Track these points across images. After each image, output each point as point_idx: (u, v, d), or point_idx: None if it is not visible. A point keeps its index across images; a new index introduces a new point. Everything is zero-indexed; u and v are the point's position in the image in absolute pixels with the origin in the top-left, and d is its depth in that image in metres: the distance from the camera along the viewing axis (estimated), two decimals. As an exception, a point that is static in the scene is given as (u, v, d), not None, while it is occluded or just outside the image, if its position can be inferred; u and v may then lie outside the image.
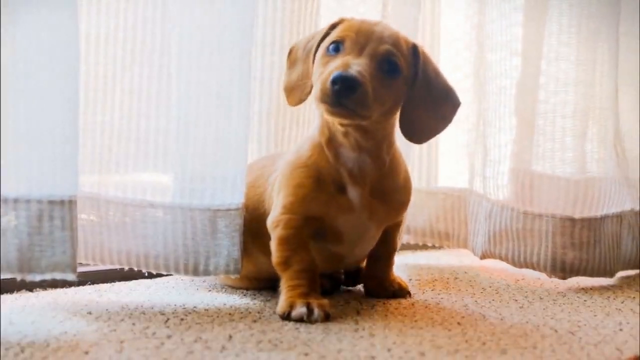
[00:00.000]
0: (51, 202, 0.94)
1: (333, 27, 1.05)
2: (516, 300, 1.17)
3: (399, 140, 1.12)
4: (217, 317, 1.01)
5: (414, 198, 1.36)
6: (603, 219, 1.34)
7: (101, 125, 1.10)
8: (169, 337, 0.90)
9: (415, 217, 1.52)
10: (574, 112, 1.37)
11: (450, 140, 1.55)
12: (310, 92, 1.05)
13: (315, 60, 1.04)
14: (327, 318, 1.00)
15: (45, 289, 1.14)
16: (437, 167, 1.56)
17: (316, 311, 0.99)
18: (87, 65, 1.08)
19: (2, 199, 0.92)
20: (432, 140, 1.53)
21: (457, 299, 1.16)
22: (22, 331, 0.90)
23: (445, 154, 1.56)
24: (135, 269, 1.10)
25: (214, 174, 1.09)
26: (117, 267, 1.13)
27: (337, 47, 1.01)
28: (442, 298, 1.17)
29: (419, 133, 1.08)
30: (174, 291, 1.17)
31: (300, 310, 0.99)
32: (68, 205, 0.95)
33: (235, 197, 1.09)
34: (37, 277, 0.93)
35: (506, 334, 0.95)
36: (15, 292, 1.12)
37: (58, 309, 1.03)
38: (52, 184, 0.94)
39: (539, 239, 1.33)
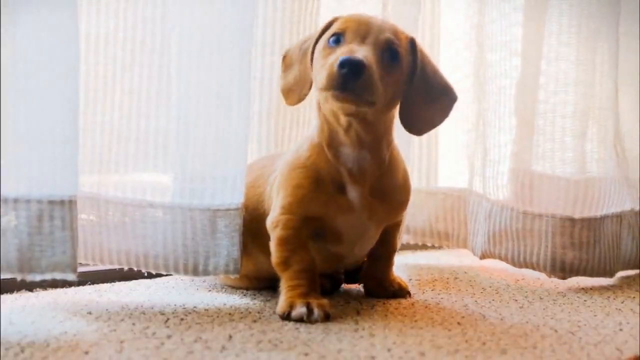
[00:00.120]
0: (51, 202, 0.94)
1: (328, 26, 1.06)
2: (516, 300, 1.17)
3: (399, 140, 1.12)
4: (217, 317, 1.01)
5: (413, 198, 1.36)
6: (603, 219, 1.34)
7: (101, 125, 1.10)
8: (169, 337, 0.90)
9: (415, 217, 1.52)
10: (573, 112, 1.37)
11: (450, 141, 1.55)
12: (309, 90, 1.05)
13: (315, 56, 1.04)
14: (327, 318, 1.00)
15: (45, 289, 1.14)
16: (436, 167, 1.56)
17: (316, 311, 0.99)
18: (87, 65, 1.08)
19: (2, 199, 0.92)
20: (432, 141, 1.54)
21: (457, 299, 1.16)
22: (22, 331, 0.90)
23: (445, 154, 1.56)
24: (135, 269, 1.10)
25: (213, 174, 1.09)
26: (117, 267, 1.13)
27: (337, 39, 1.01)
28: (442, 298, 1.17)
29: (418, 125, 1.09)
30: (174, 291, 1.17)
31: (300, 310, 0.99)
32: (68, 205, 0.95)
33: (235, 197, 1.09)
34: (37, 277, 0.93)
35: (506, 334, 0.95)
36: (15, 292, 1.12)
37: (58, 309, 1.03)
38: (52, 184, 0.94)
39: (538, 239, 1.33)
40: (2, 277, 0.98)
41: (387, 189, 1.08)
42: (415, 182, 1.51)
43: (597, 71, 1.38)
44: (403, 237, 1.50)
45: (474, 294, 1.21)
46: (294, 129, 1.32)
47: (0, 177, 0.91)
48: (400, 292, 1.16)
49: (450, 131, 1.55)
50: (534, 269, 1.34)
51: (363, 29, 1.01)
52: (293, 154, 1.09)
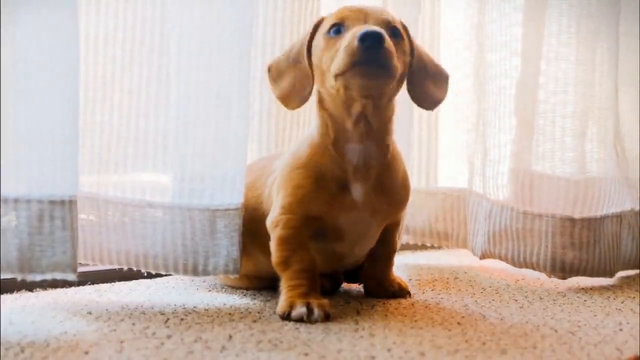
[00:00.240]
0: (52, 202, 0.94)
1: (317, 25, 1.06)
2: (516, 300, 1.17)
3: (399, 140, 1.12)
4: (217, 317, 1.01)
5: (413, 198, 1.36)
6: (603, 219, 1.34)
7: (100, 125, 1.10)
8: (169, 337, 0.90)
9: (414, 217, 1.52)
10: (573, 112, 1.37)
11: (450, 141, 1.55)
12: (312, 90, 1.05)
13: (315, 52, 1.04)
14: (327, 318, 1.00)
15: (45, 289, 1.14)
16: (436, 167, 1.56)
17: (316, 311, 0.99)
18: (87, 65, 1.08)
19: (2, 199, 0.92)
20: (432, 141, 1.54)
21: (457, 299, 1.16)
22: (22, 331, 0.90)
23: (444, 154, 1.56)
24: (135, 269, 1.10)
25: (213, 174, 1.09)
26: (117, 267, 1.13)
27: (338, 29, 1.01)
28: (442, 298, 1.17)
29: (429, 100, 1.11)
30: (174, 291, 1.17)
31: (300, 310, 0.99)
32: (68, 205, 0.95)
33: (234, 197, 1.09)
34: (38, 277, 0.93)
35: (506, 334, 0.95)
36: (15, 292, 1.12)
37: (58, 309, 1.03)
38: (53, 184, 0.94)
39: (538, 239, 1.33)
40: (2, 277, 0.98)
41: (389, 186, 1.08)
42: (415, 182, 1.51)
43: (597, 71, 1.38)
44: (403, 237, 1.50)
45: (474, 294, 1.21)
46: (294, 129, 1.32)
47: (0, 177, 0.91)
48: (400, 292, 1.16)
49: (450, 131, 1.55)
50: (534, 269, 1.34)
51: (362, 14, 1.02)
52: (292, 154, 1.09)
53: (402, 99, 1.10)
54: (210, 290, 1.18)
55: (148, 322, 0.97)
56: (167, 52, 1.09)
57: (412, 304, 1.12)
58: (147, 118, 1.10)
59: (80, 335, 0.89)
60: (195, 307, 1.07)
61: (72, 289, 1.16)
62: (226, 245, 1.09)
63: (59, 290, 1.14)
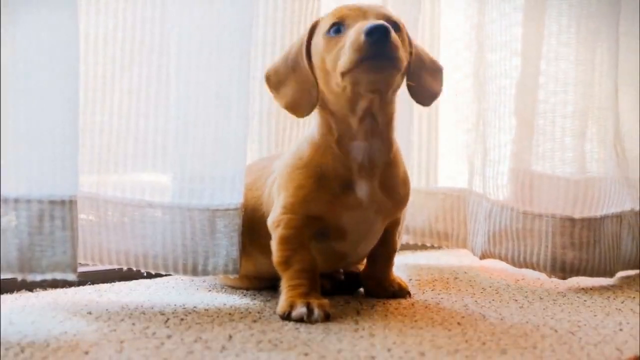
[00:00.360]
0: (52, 202, 0.94)
1: (314, 27, 1.06)
2: (516, 300, 1.17)
3: (399, 140, 1.12)
4: (217, 317, 1.01)
5: (413, 198, 1.36)
6: (603, 219, 1.34)
7: (100, 125, 1.10)
8: (169, 337, 0.90)
9: (414, 217, 1.52)
10: (573, 112, 1.37)
11: (450, 141, 1.55)
12: (318, 93, 1.04)
13: (317, 52, 1.03)
14: (327, 318, 1.00)
15: (45, 289, 1.14)
16: (436, 167, 1.56)
17: (316, 311, 0.99)
18: (86, 65, 1.08)
19: (2, 199, 0.92)
20: (432, 141, 1.54)
21: (457, 299, 1.16)
22: (22, 331, 0.91)
23: (444, 154, 1.56)
24: (134, 269, 1.10)
25: (213, 174, 1.09)
26: (116, 267, 1.13)
27: (338, 28, 1.01)
28: (442, 298, 1.17)
29: (427, 94, 1.11)
30: (174, 291, 1.17)
31: (300, 310, 0.99)
32: (69, 205, 0.95)
33: (234, 197, 1.09)
34: (38, 277, 0.93)
35: (506, 334, 0.95)
36: (15, 292, 1.12)
37: (58, 309, 1.03)
38: (53, 184, 0.94)
39: (538, 239, 1.33)
40: (2, 277, 0.98)
41: (391, 183, 1.08)
42: (415, 182, 1.51)
43: (597, 71, 1.38)
44: (403, 238, 1.50)
45: (474, 294, 1.21)
46: (294, 129, 1.32)
47: (0, 177, 0.91)
48: (400, 292, 1.16)
49: (450, 131, 1.55)
50: (534, 269, 1.34)
51: (361, 12, 1.02)
52: (293, 154, 1.09)
53: (402, 99, 1.10)
54: (210, 290, 1.19)
55: (148, 322, 0.97)
56: (167, 52, 1.09)
57: (412, 304, 1.12)
58: (147, 118, 1.10)
59: (80, 335, 0.89)
60: (195, 307, 1.07)
61: (72, 289, 1.16)
62: (226, 245, 1.09)
63: (59, 290, 1.14)
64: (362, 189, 1.05)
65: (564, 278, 1.32)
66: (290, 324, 0.98)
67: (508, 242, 1.35)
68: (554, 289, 1.29)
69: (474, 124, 1.46)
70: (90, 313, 1.01)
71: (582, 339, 0.94)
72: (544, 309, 1.12)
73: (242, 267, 1.11)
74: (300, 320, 0.98)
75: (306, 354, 0.84)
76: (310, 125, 1.12)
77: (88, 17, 1.08)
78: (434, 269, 1.45)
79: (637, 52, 1.50)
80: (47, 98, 0.94)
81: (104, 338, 0.88)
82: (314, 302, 1.00)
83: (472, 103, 1.47)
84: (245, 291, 1.19)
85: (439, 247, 1.59)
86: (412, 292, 1.19)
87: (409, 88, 1.08)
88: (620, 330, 0.99)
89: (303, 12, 1.30)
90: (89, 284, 1.20)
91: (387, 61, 0.97)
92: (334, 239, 1.08)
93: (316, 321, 0.98)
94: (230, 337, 0.91)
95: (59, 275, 0.94)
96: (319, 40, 1.03)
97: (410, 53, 1.07)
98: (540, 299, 1.19)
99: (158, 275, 1.22)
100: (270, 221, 1.07)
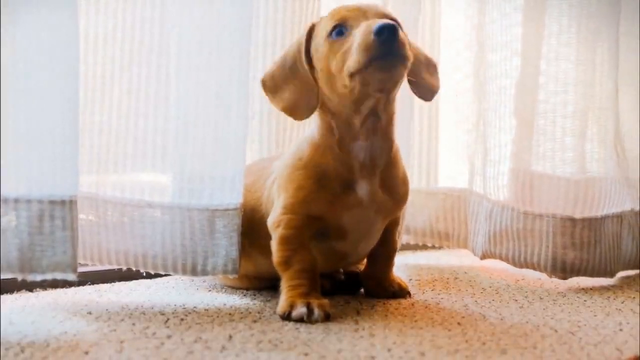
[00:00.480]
0: (52, 202, 0.94)
1: (311, 31, 1.05)
2: (516, 300, 1.17)
3: (399, 141, 1.12)
4: (217, 317, 1.01)
5: (414, 198, 1.36)
6: (603, 219, 1.34)
7: (99, 125, 1.10)
8: (169, 337, 0.90)
9: (415, 217, 1.52)
10: (574, 112, 1.37)
11: (450, 141, 1.55)
12: (318, 97, 1.04)
13: (319, 56, 1.03)
14: (327, 318, 1.00)
15: (45, 289, 1.14)
16: (436, 167, 1.56)
17: (316, 311, 0.99)
18: (86, 65, 1.08)
19: (2, 199, 0.92)
20: (432, 141, 1.54)
21: (457, 299, 1.16)
22: (22, 331, 0.91)
23: (445, 154, 1.56)
24: (134, 269, 1.10)
25: (212, 174, 1.09)
26: (116, 267, 1.13)
27: (340, 30, 1.01)
28: (442, 298, 1.17)
29: (428, 90, 1.11)
30: (174, 291, 1.17)
31: (300, 310, 0.99)
32: (69, 205, 0.95)
33: (233, 197, 1.09)
34: (38, 277, 0.94)
35: (506, 334, 0.95)
36: (15, 292, 1.12)
37: (58, 309, 1.03)
38: (53, 184, 0.94)
39: (539, 239, 1.33)
40: (2, 277, 0.98)
41: (391, 181, 1.08)
42: (416, 182, 1.51)
43: (597, 71, 1.38)
44: (403, 238, 1.50)
45: (474, 294, 1.21)
46: (295, 129, 1.32)
47: (0, 177, 0.91)
48: (400, 292, 1.16)
49: (450, 131, 1.55)
50: (534, 269, 1.34)
51: (361, 12, 1.01)
52: (293, 155, 1.08)
53: (402, 99, 1.10)
54: (210, 290, 1.19)
55: (148, 322, 0.97)
56: (167, 52, 1.09)
57: (412, 304, 1.12)
58: (147, 118, 1.10)
59: (80, 335, 0.89)
60: (195, 307, 1.07)
61: (72, 289, 1.16)
62: (225, 245, 1.09)
63: (59, 290, 1.14)
64: (363, 189, 1.05)
65: (565, 278, 1.32)
66: (290, 324, 0.98)
67: (509, 242, 1.35)
68: (554, 289, 1.29)
69: (475, 124, 1.46)
70: (90, 313, 1.01)
71: (582, 339, 0.94)
72: (544, 309, 1.12)
73: (241, 267, 1.11)
74: (300, 320, 0.98)
75: (306, 354, 0.84)
76: (310, 126, 1.12)
77: (88, 17, 1.08)
78: (434, 269, 1.45)
79: (637, 52, 1.50)
80: (47, 98, 0.94)
81: (104, 338, 0.88)
82: (314, 302, 1.00)
83: (472, 103, 1.47)
84: (245, 291, 1.19)
85: (440, 247, 1.59)
86: (412, 292, 1.18)
87: (410, 84, 1.08)
88: (620, 330, 0.99)
89: (303, 12, 1.30)
90: (89, 284, 1.20)
91: (397, 59, 0.97)
92: (334, 238, 1.08)
93: (316, 321, 0.98)
94: (230, 337, 0.91)
95: (59, 275, 0.94)
96: (320, 43, 1.03)
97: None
98: (540, 299, 1.19)
99: (158, 275, 1.22)
100: (270, 221, 1.07)
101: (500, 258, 1.37)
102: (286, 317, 1.00)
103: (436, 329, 0.96)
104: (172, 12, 1.08)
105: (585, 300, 1.19)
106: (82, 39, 1.06)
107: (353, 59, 0.97)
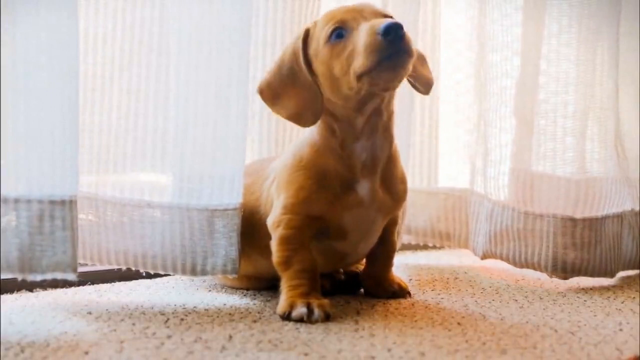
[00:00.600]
0: (52, 202, 0.94)
1: (306, 36, 1.05)
2: (516, 300, 1.17)
3: (399, 141, 1.12)
4: (217, 317, 1.01)
5: (414, 198, 1.35)
6: (604, 219, 1.34)
7: (99, 125, 1.10)
8: (169, 337, 0.90)
9: (415, 217, 1.52)
10: (574, 112, 1.37)
11: (451, 141, 1.55)
12: (323, 101, 1.03)
13: (320, 60, 1.02)
14: (327, 318, 1.00)
15: (45, 289, 1.14)
16: (437, 167, 1.56)
17: (316, 311, 0.99)
18: (85, 65, 1.08)
19: (2, 199, 0.92)
20: (433, 141, 1.54)
21: (457, 299, 1.16)
22: (22, 331, 0.91)
23: (445, 155, 1.56)
24: (133, 269, 1.10)
25: (212, 174, 1.09)
26: (116, 267, 1.13)
27: (340, 33, 1.01)
28: (442, 298, 1.17)
29: (426, 84, 1.11)
30: (174, 291, 1.17)
31: (300, 310, 0.99)
32: (69, 205, 0.95)
33: (233, 197, 1.09)
34: (38, 277, 0.94)
35: (506, 334, 0.95)
36: (15, 292, 1.12)
37: (58, 309, 1.03)
38: (53, 184, 0.94)
39: (540, 239, 1.33)
40: (2, 277, 0.99)
41: (390, 180, 1.09)
42: (416, 182, 1.51)
43: (598, 71, 1.38)
44: (404, 237, 1.50)
45: (474, 294, 1.21)
46: (295, 129, 1.32)
47: (0, 177, 0.92)
48: (400, 292, 1.16)
49: (451, 131, 1.55)
50: (535, 269, 1.34)
51: (358, 13, 1.01)
52: (292, 156, 1.08)
53: (401, 99, 1.10)
54: (210, 290, 1.19)
55: (148, 322, 0.97)
56: (166, 52, 1.09)
57: (412, 304, 1.12)
58: (146, 118, 1.10)
59: (80, 335, 0.89)
60: (195, 307, 1.07)
61: (72, 289, 1.16)
62: (224, 245, 1.09)
63: (59, 290, 1.14)
64: (364, 188, 1.05)
65: (565, 278, 1.32)
66: (291, 324, 0.98)
67: (509, 242, 1.35)
68: (554, 289, 1.29)
69: (475, 125, 1.46)
70: (90, 313, 1.01)
71: (582, 339, 0.94)
72: (544, 309, 1.12)
73: (241, 268, 1.11)
74: (300, 320, 0.99)
75: (306, 354, 0.84)
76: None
77: (87, 17, 1.08)
78: (434, 269, 1.45)
79: (637, 52, 1.50)
80: (46, 98, 0.94)
81: (104, 338, 0.88)
82: (314, 302, 1.00)
83: (473, 103, 1.47)
84: (245, 291, 1.19)
85: (441, 248, 1.59)
86: (412, 292, 1.18)
87: (409, 77, 1.07)
88: (620, 330, 0.99)
89: (303, 12, 1.30)
90: (89, 284, 1.20)
91: (404, 57, 0.97)
92: (334, 238, 1.08)
93: (316, 321, 0.98)
94: (230, 337, 0.91)
95: (59, 275, 0.95)
96: (319, 48, 1.02)
97: None
98: (540, 299, 1.19)
99: (158, 275, 1.22)
100: (270, 221, 1.07)
101: (501, 258, 1.37)
102: (286, 317, 1.00)
103: (436, 329, 0.96)
104: (172, 12, 1.08)
105: (585, 300, 1.19)
106: (82, 39, 1.06)
107: (361, 61, 0.97)
